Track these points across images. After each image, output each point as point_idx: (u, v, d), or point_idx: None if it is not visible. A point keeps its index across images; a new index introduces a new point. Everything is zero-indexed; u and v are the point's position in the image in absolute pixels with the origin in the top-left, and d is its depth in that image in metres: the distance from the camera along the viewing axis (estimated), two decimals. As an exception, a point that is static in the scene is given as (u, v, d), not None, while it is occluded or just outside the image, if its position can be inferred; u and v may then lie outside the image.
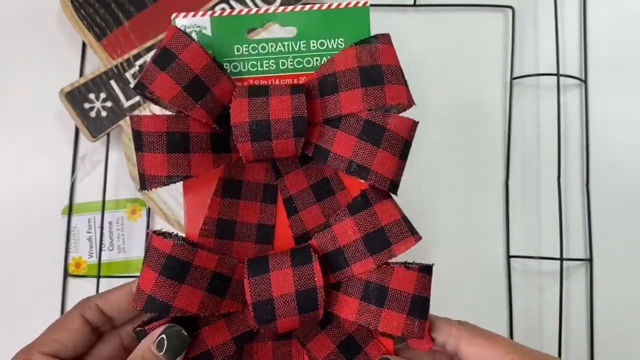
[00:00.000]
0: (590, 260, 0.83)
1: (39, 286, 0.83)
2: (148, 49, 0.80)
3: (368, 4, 0.64)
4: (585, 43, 0.86)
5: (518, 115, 0.85)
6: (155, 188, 0.59)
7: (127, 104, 0.80)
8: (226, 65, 0.64)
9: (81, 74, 0.85)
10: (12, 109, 0.86)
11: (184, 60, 0.59)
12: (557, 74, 0.84)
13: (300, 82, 0.64)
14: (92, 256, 0.83)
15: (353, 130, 0.59)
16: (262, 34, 0.80)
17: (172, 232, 0.59)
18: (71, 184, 0.84)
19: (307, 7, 0.64)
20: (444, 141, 0.85)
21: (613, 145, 0.85)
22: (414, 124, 0.61)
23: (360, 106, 0.59)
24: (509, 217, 0.83)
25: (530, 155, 0.85)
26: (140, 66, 0.80)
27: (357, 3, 0.64)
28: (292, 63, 0.65)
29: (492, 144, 0.85)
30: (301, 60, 0.65)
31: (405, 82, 0.62)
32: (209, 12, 0.63)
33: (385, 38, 0.62)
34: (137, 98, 0.80)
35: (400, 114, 0.61)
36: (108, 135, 0.81)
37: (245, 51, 0.64)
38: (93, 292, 0.81)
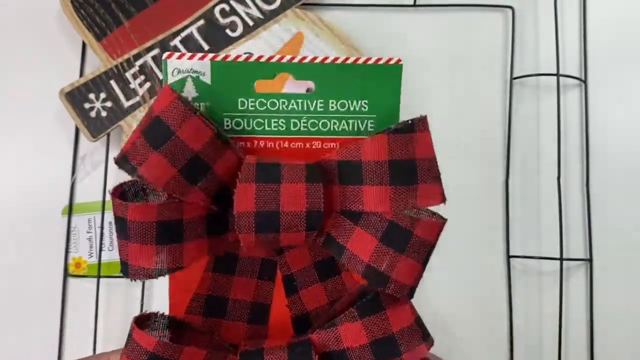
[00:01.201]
0: (590, 260, 0.83)
1: (39, 286, 0.83)
2: (148, 49, 0.80)
3: (401, 62, 0.57)
4: (585, 43, 0.86)
5: (518, 115, 0.85)
6: (141, 279, 0.53)
7: (127, 104, 0.80)
8: (227, 121, 0.56)
9: (81, 74, 0.85)
10: (12, 109, 0.86)
11: (183, 138, 0.51)
12: (557, 74, 0.84)
13: (313, 146, 0.58)
14: (92, 256, 0.83)
15: (375, 231, 0.53)
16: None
17: (158, 313, 0.55)
18: (71, 184, 0.84)
19: (329, 60, 0.57)
20: (443, 141, 0.84)
21: (613, 145, 0.85)
22: (442, 225, 0.56)
23: (387, 207, 0.53)
24: (509, 217, 0.84)
25: (530, 155, 0.85)
26: (140, 66, 0.80)
27: (390, 60, 0.57)
28: (305, 124, 0.58)
29: (492, 144, 0.85)
30: (316, 122, 0.58)
31: (440, 176, 0.56)
32: (210, 56, 0.56)
33: (422, 124, 0.56)
34: (137, 98, 0.80)
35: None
36: (108, 135, 0.81)
37: (252, 106, 0.56)
38: (93, 292, 0.82)
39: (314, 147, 0.58)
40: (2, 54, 0.87)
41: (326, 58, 0.56)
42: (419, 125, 0.55)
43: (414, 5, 0.87)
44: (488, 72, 0.86)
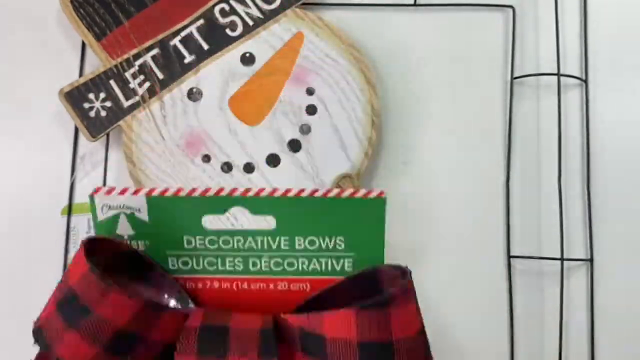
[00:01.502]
0: (591, 260, 0.83)
1: (38, 286, 0.83)
2: (148, 49, 0.80)
3: (384, 196, 0.50)
4: (586, 43, 0.86)
5: (518, 115, 0.85)
6: None
7: (126, 103, 0.80)
8: (172, 260, 0.51)
9: (81, 74, 0.85)
10: (12, 109, 0.86)
11: (103, 315, 0.44)
12: (558, 74, 0.84)
13: (279, 287, 0.51)
14: (92, 256, 0.83)
15: None
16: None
17: None
18: (70, 184, 0.84)
19: (292, 192, 0.50)
20: (444, 141, 0.85)
21: (614, 145, 0.85)
22: None
23: None
24: (510, 217, 0.83)
25: (531, 155, 0.85)
26: (140, 66, 0.80)
27: (369, 193, 0.50)
28: (267, 264, 0.51)
29: (493, 143, 0.85)
30: (280, 261, 0.51)
31: (427, 352, 0.48)
32: (145, 191, 0.49)
33: (402, 296, 0.46)
34: (137, 98, 0.79)
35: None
36: (108, 135, 0.81)
37: (200, 244, 0.50)
38: (93, 293, 0.81)
39: (279, 288, 0.52)
40: (1, 54, 0.87)
41: (288, 191, 0.50)
42: (397, 297, 0.45)
43: (414, 4, 0.87)
44: (488, 72, 0.86)
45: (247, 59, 0.80)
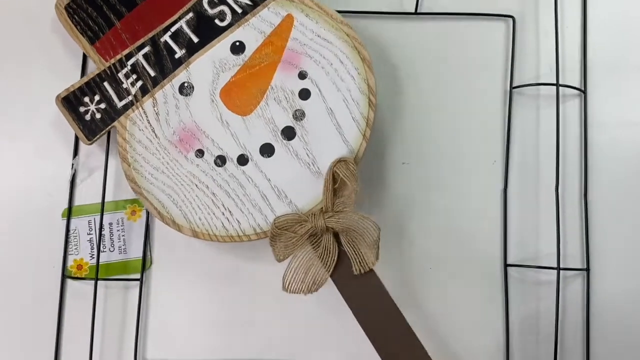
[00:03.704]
0: (587, 270, 0.82)
1: (39, 288, 0.84)
2: (139, 48, 0.80)
3: None
4: (585, 53, 0.86)
5: (517, 124, 0.85)
6: None
7: (120, 104, 0.80)
8: None
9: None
10: (12, 113, 0.87)
11: None
12: (557, 84, 0.84)
13: None
14: (93, 258, 0.85)
15: None
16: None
17: None
18: (70, 181, 0.84)
19: None
20: (443, 149, 0.85)
21: (612, 155, 0.85)
22: None
23: None
24: (507, 226, 0.83)
25: (529, 164, 0.85)
26: (132, 65, 0.80)
27: None
28: None
29: (491, 153, 0.85)
30: None
31: None
32: None
33: None
34: (130, 98, 0.79)
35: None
36: (108, 137, 0.83)
37: None
38: (91, 295, 0.82)
39: None
40: (3, 59, 0.88)
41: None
42: None
43: (416, 13, 0.87)
44: (488, 81, 0.87)
45: (237, 48, 0.79)
